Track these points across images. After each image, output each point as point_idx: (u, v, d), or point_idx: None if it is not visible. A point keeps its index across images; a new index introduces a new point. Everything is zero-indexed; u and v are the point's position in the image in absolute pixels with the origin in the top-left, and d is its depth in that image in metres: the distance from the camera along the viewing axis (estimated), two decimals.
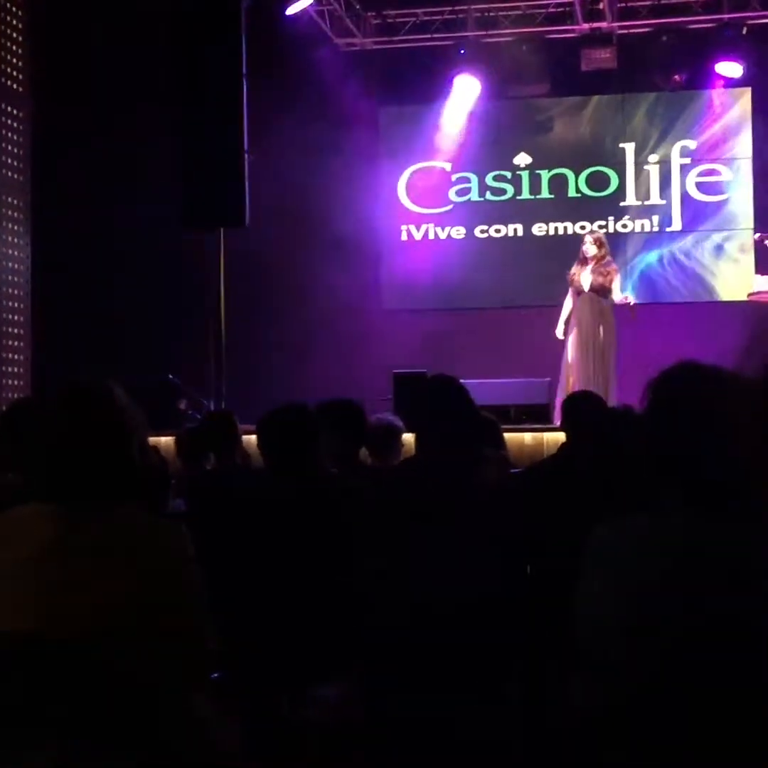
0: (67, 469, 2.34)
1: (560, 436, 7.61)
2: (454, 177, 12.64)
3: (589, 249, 10.14)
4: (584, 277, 10.05)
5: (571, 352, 10.08)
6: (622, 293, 10.13)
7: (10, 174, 10.95)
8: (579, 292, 10.07)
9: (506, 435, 6.22)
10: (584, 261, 10.15)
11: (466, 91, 11.98)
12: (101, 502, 2.35)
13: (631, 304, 10.09)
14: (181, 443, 6.09)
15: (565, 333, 10.17)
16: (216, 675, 2.87)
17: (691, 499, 2.14)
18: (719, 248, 12.13)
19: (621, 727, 2.07)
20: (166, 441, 7.04)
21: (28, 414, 3.66)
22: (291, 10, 10.57)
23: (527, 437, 8.68)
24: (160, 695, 2.21)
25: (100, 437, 2.36)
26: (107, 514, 2.34)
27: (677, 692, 2.04)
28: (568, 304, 10.19)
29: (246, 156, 9.74)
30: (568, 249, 11.79)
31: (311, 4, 10.88)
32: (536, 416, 9.25)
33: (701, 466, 2.10)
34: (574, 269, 10.18)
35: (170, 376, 9.78)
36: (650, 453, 2.20)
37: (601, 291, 10.01)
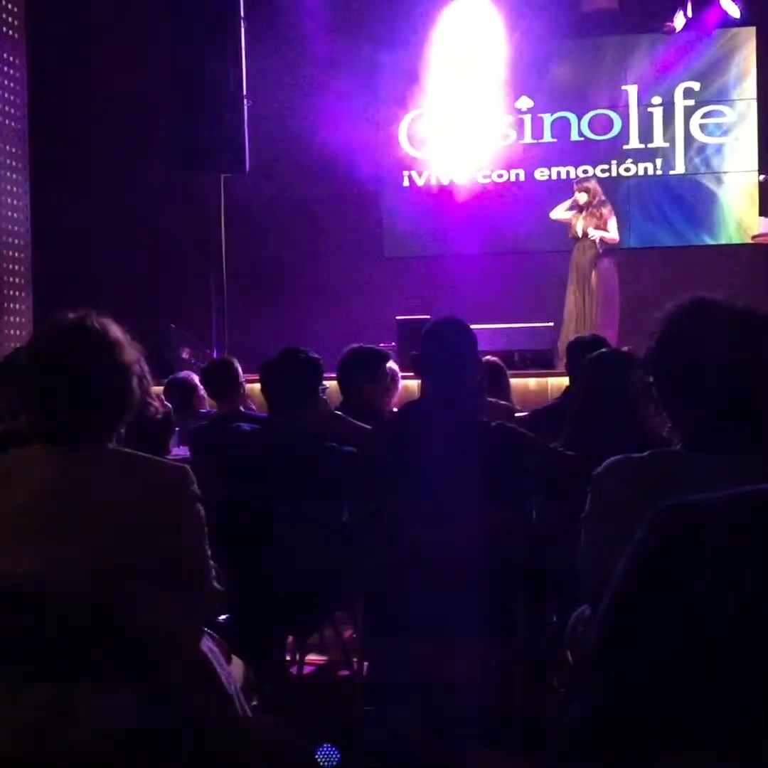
0: (63, 407, 2.30)
1: (564, 381, 7.61)
2: (455, 121, 12.49)
3: (579, 197, 10.40)
4: (579, 224, 10.29)
5: (569, 297, 10.30)
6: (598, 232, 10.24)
7: (7, 122, 10.85)
8: (576, 239, 10.31)
9: (511, 380, 6.22)
10: (578, 208, 10.37)
11: (466, 35, 11.83)
12: (102, 443, 2.33)
13: (596, 239, 10.21)
14: (173, 390, 6.06)
15: (569, 279, 10.35)
16: (224, 617, 2.88)
17: (694, 434, 2.12)
18: (723, 190, 12.04)
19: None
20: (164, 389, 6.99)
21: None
22: None
23: (531, 382, 8.67)
24: (164, 635, 2.21)
25: (96, 372, 2.31)
26: (108, 455, 2.32)
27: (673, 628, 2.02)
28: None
29: (245, 102, 9.66)
30: (571, 193, 11.72)
31: None
32: (540, 361, 9.23)
33: (707, 397, 2.08)
34: (571, 217, 10.41)
35: (172, 325, 9.74)
36: (656, 388, 2.18)
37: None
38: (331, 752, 2.99)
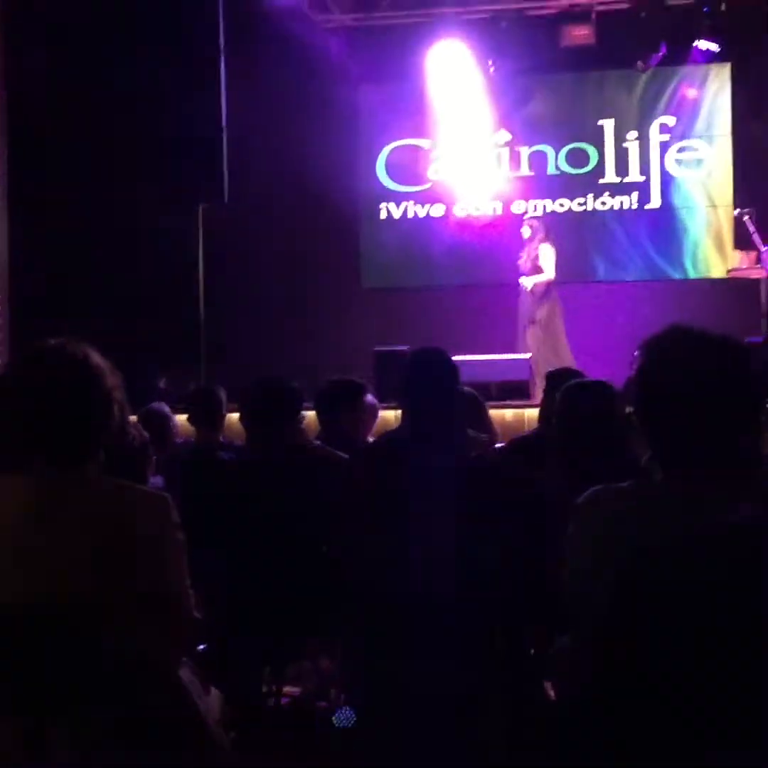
0: (44, 433, 2.28)
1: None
2: (432, 154, 12.59)
3: (523, 232, 10.84)
4: (522, 261, 10.68)
5: (525, 331, 10.62)
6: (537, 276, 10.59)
7: None
8: (524, 274, 10.67)
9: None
10: (523, 244, 10.77)
11: (444, 69, 11.92)
12: (81, 469, 2.31)
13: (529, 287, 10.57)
14: (148, 420, 6.02)
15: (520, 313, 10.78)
16: (202, 647, 2.86)
17: (676, 463, 2.13)
18: (699, 225, 12.13)
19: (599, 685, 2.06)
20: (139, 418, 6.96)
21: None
22: None
23: (508, 414, 8.68)
24: (143, 663, 2.19)
25: (76, 398, 2.29)
26: (88, 482, 2.30)
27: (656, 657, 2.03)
28: None
29: (224, 131, 9.69)
30: (550, 228, 11.81)
31: None
32: (517, 393, 9.24)
33: (689, 426, 2.09)
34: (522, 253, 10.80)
35: (150, 355, 9.71)
36: (639, 417, 2.18)
37: (534, 272, 10.56)
38: None
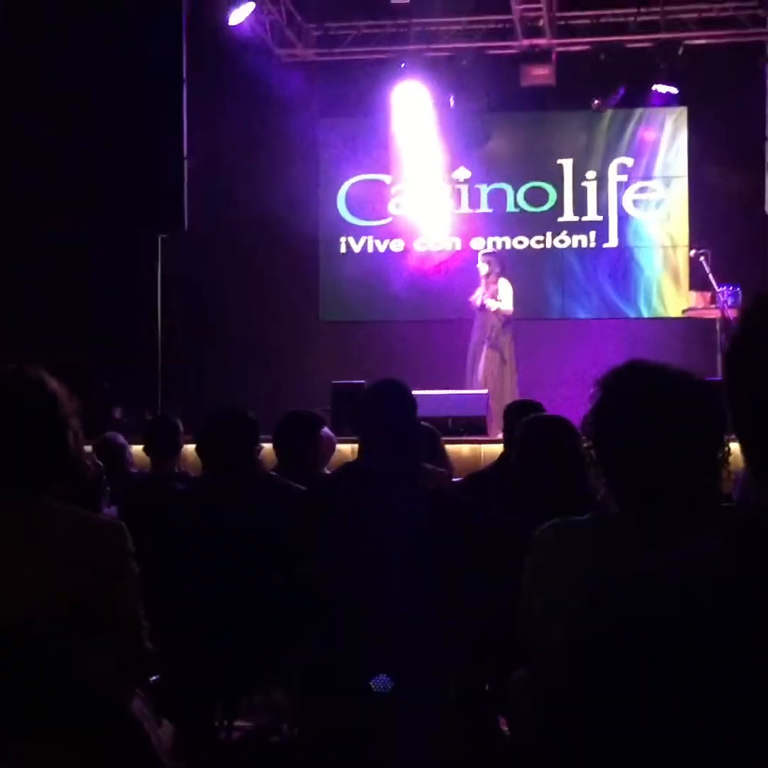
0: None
1: (497, 448, 7.64)
2: (393, 190, 12.66)
3: (480, 267, 10.83)
4: (477, 296, 10.68)
5: (480, 365, 10.62)
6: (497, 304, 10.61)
7: None
8: (477, 310, 10.69)
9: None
10: (479, 280, 10.76)
11: (406, 105, 12.01)
12: (36, 497, 2.28)
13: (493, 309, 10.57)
14: (103, 450, 5.99)
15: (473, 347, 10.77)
16: (154, 678, 2.82)
17: (632, 498, 2.14)
18: (655, 264, 12.27)
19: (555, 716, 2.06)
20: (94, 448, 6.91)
21: None
22: (233, 19, 10.52)
23: (465, 449, 8.69)
24: (95, 693, 2.16)
25: (32, 424, 2.27)
26: (43, 510, 2.28)
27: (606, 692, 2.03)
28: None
29: (185, 161, 9.70)
30: (506, 263, 11.88)
31: (253, 14, 10.83)
32: (474, 428, 9.26)
33: (645, 463, 2.10)
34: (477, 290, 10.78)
35: (106, 384, 9.66)
36: (595, 452, 2.19)
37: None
38: None
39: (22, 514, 2.26)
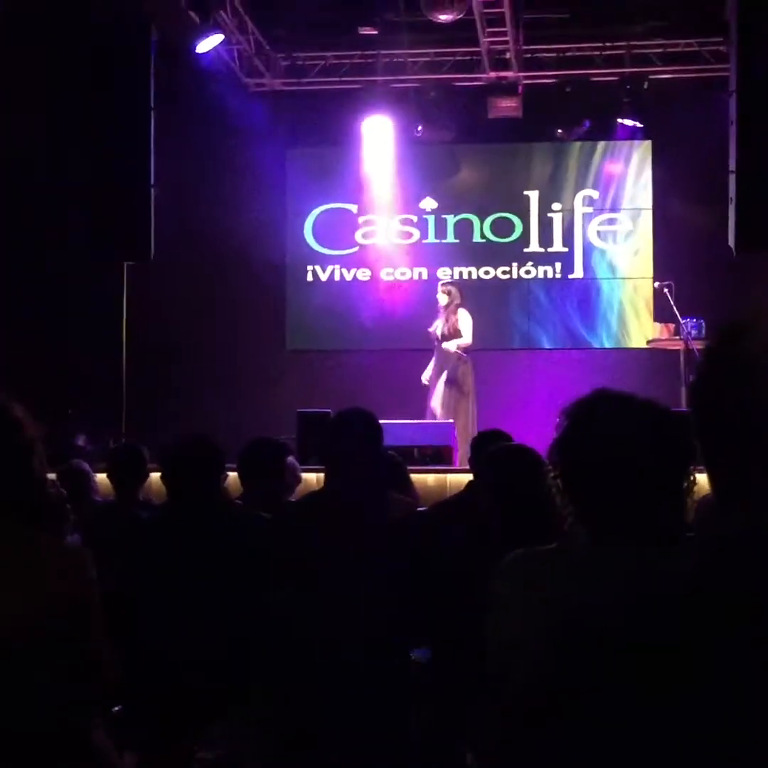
0: None
1: (463, 478, 7.64)
2: (360, 219, 12.70)
3: (440, 298, 10.83)
4: (437, 326, 10.70)
5: (438, 395, 10.62)
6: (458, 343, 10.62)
7: None
8: (436, 340, 10.69)
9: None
10: (439, 311, 10.76)
11: (373, 135, 12.07)
12: (1, 521, 2.25)
13: (454, 350, 10.58)
14: (67, 478, 5.95)
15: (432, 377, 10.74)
16: (117, 708, 2.79)
17: (599, 528, 2.14)
18: (620, 296, 12.36)
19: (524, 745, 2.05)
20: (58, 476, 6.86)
21: None
22: (200, 48, 10.53)
23: (430, 478, 8.68)
24: (55, 723, 2.13)
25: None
26: (8, 535, 2.25)
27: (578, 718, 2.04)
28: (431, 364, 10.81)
29: (152, 189, 9.69)
30: (473, 293, 11.93)
31: (221, 43, 10.86)
32: (440, 458, 9.26)
33: (612, 493, 2.10)
34: (435, 321, 10.79)
35: (70, 411, 9.59)
36: (562, 481, 2.19)
37: (448, 337, 10.62)
38: None
39: None
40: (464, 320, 10.64)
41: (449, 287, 10.92)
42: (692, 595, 1.97)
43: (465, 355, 10.63)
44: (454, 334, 10.59)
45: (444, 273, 12.45)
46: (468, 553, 3.44)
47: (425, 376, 10.75)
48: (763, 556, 1.92)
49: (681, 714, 1.97)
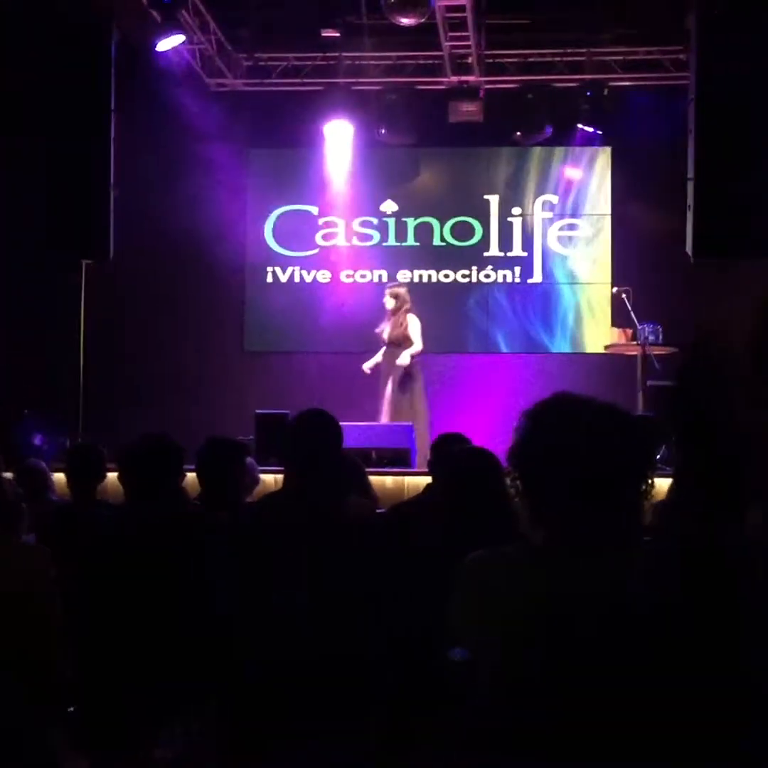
0: None
1: (420, 480, 7.67)
2: (320, 221, 12.69)
3: (387, 302, 10.67)
4: (384, 330, 10.56)
5: (388, 398, 10.48)
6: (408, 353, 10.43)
7: None
8: (383, 343, 10.57)
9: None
10: (386, 314, 10.62)
11: (334, 137, 12.08)
12: None
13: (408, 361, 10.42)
14: (24, 477, 5.94)
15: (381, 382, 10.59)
16: (71, 708, 2.77)
17: (558, 529, 2.16)
18: (579, 300, 12.43)
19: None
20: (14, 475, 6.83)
21: None
22: (161, 47, 10.48)
23: (388, 480, 8.69)
24: (10, 721, 2.11)
25: None
26: None
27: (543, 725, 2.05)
28: (377, 356, 10.68)
29: (111, 190, 9.64)
30: (432, 296, 11.97)
31: (183, 43, 10.82)
32: (397, 460, 9.27)
33: (571, 495, 2.12)
34: (382, 324, 10.63)
35: (26, 411, 9.52)
36: (521, 483, 2.21)
37: (397, 342, 10.45)
38: None
39: None
40: (414, 326, 10.47)
41: (397, 290, 10.76)
42: (658, 599, 1.99)
43: (415, 361, 10.48)
44: (404, 340, 10.42)
45: (403, 276, 12.47)
46: (428, 555, 3.45)
47: (367, 366, 10.59)
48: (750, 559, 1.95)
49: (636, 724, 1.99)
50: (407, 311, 10.58)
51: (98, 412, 10.21)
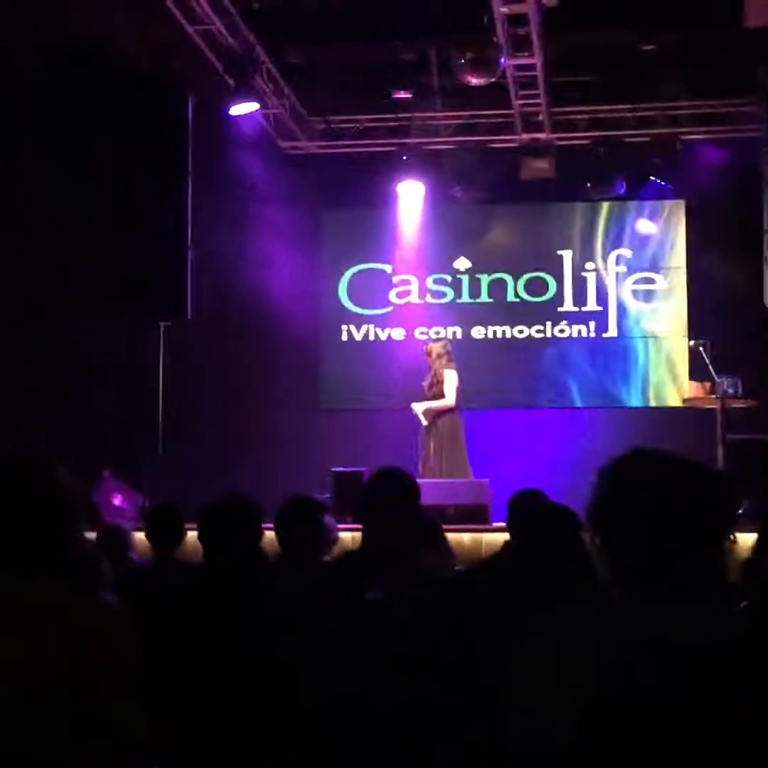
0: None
1: (498, 537, 7.60)
2: (394, 279, 12.77)
3: (428, 352, 10.78)
4: (426, 382, 10.63)
5: (428, 453, 10.47)
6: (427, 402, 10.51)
7: None
8: (426, 398, 10.59)
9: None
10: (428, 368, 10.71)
11: (407, 196, 12.18)
12: (35, 579, 2.24)
13: (421, 420, 10.46)
14: (106, 537, 6.01)
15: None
16: None
17: (640, 587, 2.13)
18: (655, 354, 12.33)
19: None
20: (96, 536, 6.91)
21: None
22: (235, 111, 10.67)
23: (466, 537, 8.64)
24: None
25: (34, 511, 2.25)
26: (45, 593, 2.24)
27: None
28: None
29: (189, 250, 9.81)
30: (507, 352, 11.96)
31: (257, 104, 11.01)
32: (475, 517, 9.21)
33: (653, 552, 2.09)
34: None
35: (105, 471, 9.63)
36: (601, 540, 2.19)
37: (434, 395, 10.49)
38: None
39: (17, 595, 2.23)
40: (449, 381, 10.50)
41: (431, 344, 10.92)
42: (744, 657, 1.95)
43: (449, 414, 10.47)
44: (438, 393, 10.49)
45: (478, 332, 12.48)
46: (506, 613, 3.41)
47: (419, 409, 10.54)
48: None
49: None
50: (444, 366, 10.59)
51: (176, 472, 10.30)
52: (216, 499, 3.91)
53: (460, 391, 10.54)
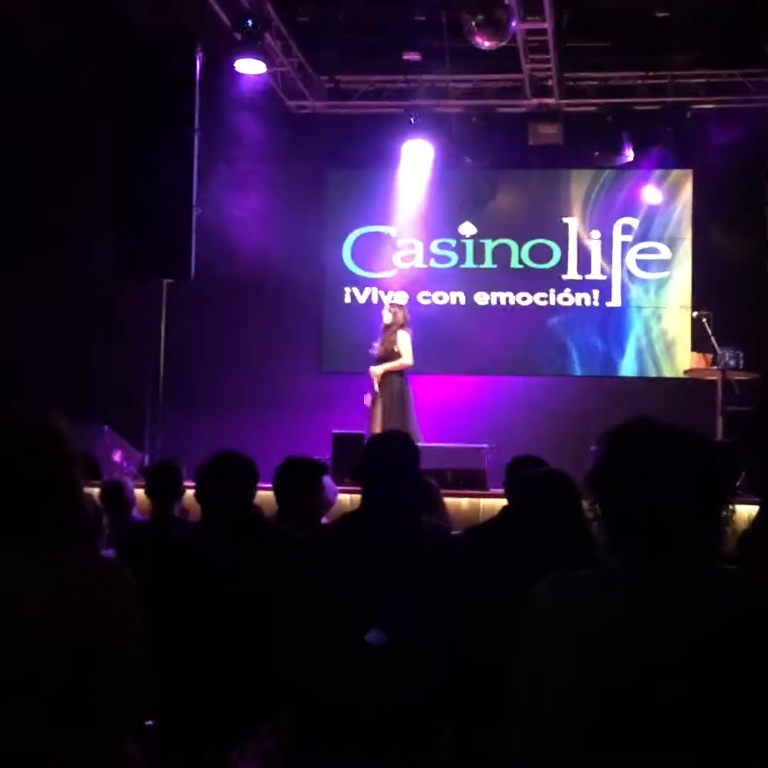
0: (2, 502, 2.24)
1: (496, 502, 7.63)
2: (399, 242, 12.73)
3: (384, 316, 10.72)
4: (375, 347, 10.60)
5: (377, 414, 10.45)
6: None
7: None
8: (374, 362, 10.56)
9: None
10: (380, 331, 10.68)
11: (414, 159, 12.12)
12: (42, 539, 2.26)
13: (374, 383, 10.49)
14: (107, 493, 6.05)
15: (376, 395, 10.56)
16: (150, 723, 2.80)
17: (639, 553, 2.13)
18: (658, 324, 12.31)
19: None
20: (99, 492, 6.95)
21: None
22: (240, 67, 10.58)
23: (463, 502, 8.67)
24: (91, 736, 2.13)
25: (40, 469, 2.25)
26: (49, 552, 2.25)
27: (615, 749, 2.02)
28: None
29: (194, 209, 9.76)
30: (510, 318, 11.94)
31: (265, 65, 10.92)
32: (473, 482, 9.24)
33: (653, 519, 2.10)
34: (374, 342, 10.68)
35: (105, 427, 9.64)
36: (601, 507, 2.19)
37: (387, 358, 10.48)
38: None
39: (22, 556, 2.24)
40: (403, 341, 10.51)
41: (395, 308, 10.82)
42: (740, 627, 1.96)
43: (402, 376, 10.51)
44: (392, 355, 10.49)
45: (481, 298, 12.46)
46: (504, 577, 3.42)
47: (367, 400, 10.57)
48: None
49: (720, 748, 1.96)
50: (399, 328, 10.58)
51: (176, 430, 10.32)
52: (210, 456, 3.92)
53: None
